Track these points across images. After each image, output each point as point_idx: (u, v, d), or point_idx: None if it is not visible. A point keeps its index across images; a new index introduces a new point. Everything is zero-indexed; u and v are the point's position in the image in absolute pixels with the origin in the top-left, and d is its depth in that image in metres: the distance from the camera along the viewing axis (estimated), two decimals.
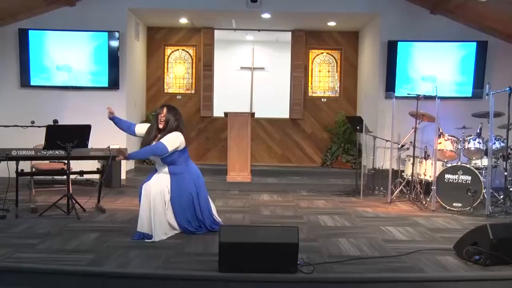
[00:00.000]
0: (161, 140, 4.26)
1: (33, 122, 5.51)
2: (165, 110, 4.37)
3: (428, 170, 6.17)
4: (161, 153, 4.24)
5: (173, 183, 4.35)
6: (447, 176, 5.82)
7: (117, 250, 3.80)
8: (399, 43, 7.49)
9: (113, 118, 4.54)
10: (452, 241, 3.98)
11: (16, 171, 5.02)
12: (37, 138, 5.62)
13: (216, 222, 4.56)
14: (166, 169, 4.39)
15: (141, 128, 4.55)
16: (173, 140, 4.29)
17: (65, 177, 5.37)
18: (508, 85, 5.61)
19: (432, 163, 6.01)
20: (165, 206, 4.31)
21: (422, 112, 6.34)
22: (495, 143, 5.88)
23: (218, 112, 8.80)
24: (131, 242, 4.09)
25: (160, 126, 4.35)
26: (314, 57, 9.13)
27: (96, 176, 5.82)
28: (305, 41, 8.95)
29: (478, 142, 5.95)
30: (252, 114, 7.47)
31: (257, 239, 3.25)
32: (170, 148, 4.24)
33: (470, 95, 7.49)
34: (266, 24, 8.54)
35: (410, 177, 6.40)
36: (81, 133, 5.05)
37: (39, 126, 5.38)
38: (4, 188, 5.42)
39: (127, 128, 4.61)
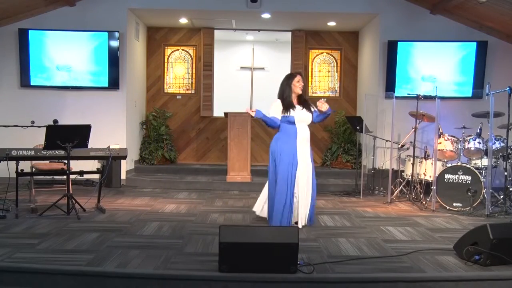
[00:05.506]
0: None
1: (33, 122, 5.51)
2: (299, 76, 4.35)
3: (428, 170, 6.17)
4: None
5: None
6: (447, 176, 5.82)
7: (117, 250, 3.80)
8: (399, 43, 7.49)
9: (261, 118, 4.51)
10: (452, 241, 3.98)
11: (16, 171, 5.02)
12: (37, 138, 5.63)
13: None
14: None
15: (278, 113, 4.53)
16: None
17: (65, 177, 5.38)
18: (508, 85, 5.60)
19: (432, 163, 6.01)
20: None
21: (422, 112, 6.34)
22: (495, 143, 5.87)
23: (218, 112, 8.80)
24: (131, 242, 4.08)
25: (300, 92, 4.37)
26: (314, 57, 9.13)
27: (96, 176, 5.82)
28: (305, 41, 8.95)
29: (478, 142, 5.95)
30: None
31: (257, 239, 3.25)
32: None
33: (470, 95, 7.49)
34: (266, 24, 8.54)
35: (410, 177, 6.40)
36: (81, 133, 5.05)
37: (39, 126, 5.38)
38: (4, 188, 5.43)
39: (273, 124, 4.61)
